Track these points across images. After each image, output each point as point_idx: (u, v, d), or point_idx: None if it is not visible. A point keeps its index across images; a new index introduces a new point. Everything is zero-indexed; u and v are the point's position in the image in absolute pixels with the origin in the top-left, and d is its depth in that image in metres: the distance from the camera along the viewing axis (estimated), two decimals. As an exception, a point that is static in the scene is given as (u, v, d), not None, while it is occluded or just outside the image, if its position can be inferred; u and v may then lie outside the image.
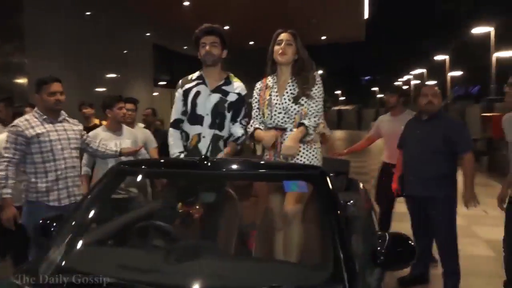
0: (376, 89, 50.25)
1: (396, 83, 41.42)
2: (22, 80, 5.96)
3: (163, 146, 3.86)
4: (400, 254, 1.79)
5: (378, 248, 1.78)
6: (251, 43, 12.42)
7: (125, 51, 10.64)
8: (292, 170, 2.29)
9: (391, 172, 4.12)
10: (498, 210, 5.62)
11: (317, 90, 2.66)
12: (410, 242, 1.82)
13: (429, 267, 3.88)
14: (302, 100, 2.63)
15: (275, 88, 2.72)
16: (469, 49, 25.58)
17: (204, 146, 2.88)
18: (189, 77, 3.04)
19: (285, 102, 2.65)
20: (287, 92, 2.67)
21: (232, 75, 3.03)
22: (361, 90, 56.04)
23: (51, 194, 3.09)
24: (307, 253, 2.26)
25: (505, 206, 3.32)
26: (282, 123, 2.65)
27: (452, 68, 24.56)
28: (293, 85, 2.67)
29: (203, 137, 2.88)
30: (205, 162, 2.11)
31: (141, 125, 5.28)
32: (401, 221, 4.36)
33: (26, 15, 6.14)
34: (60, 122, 3.22)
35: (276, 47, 2.69)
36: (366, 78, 62.26)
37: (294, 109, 2.63)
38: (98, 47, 9.53)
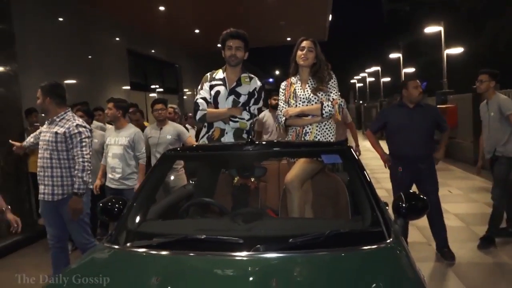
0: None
1: (352, 81, 43.11)
2: (15, 88, 6.06)
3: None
4: (416, 206, 2.31)
5: (400, 203, 2.29)
6: (219, 45, 12.78)
7: (102, 56, 10.76)
8: (326, 146, 2.82)
9: None
10: (459, 189, 6.45)
11: (333, 83, 3.25)
12: (422, 197, 2.35)
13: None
14: (319, 93, 3.19)
15: (298, 83, 3.28)
16: (420, 47, 27.14)
17: (228, 141, 3.29)
18: (215, 74, 3.43)
19: (308, 93, 3.21)
20: (308, 86, 3.24)
21: (246, 75, 3.39)
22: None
23: (40, 188, 3.63)
24: (341, 209, 2.79)
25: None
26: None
27: (405, 65, 26.02)
28: (313, 81, 3.24)
29: (226, 133, 3.31)
30: (255, 144, 2.58)
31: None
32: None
33: (15, 22, 6.20)
34: (50, 123, 3.60)
35: (299, 52, 3.23)
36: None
37: (315, 98, 3.19)
38: (77, 53, 9.61)
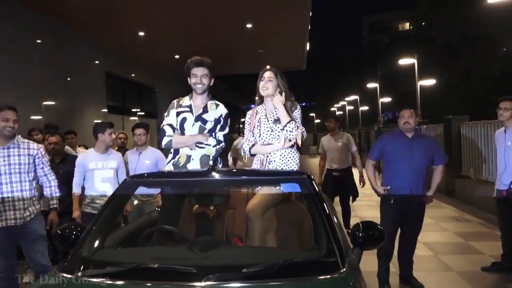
0: (313, 114, 52.59)
1: (332, 109, 43.81)
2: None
3: None
4: (373, 236, 2.34)
5: (357, 233, 2.32)
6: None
7: (79, 78, 10.74)
8: (285, 175, 2.82)
9: (332, 175, 6.09)
10: (431, 218, 6.35)
11: (297, 113, 3.28)
12: (379, 227, 2.38)
13: None
14: None
15: (263, 113, 3.33)
16: (396, 77, 27.91)
17: (194, 167, 3.29)
18: (181, 101, 3.46)
19: (271, 123, 3.24)
20: (272, 116, 3.28)
21: (212, 102, 3.44)
22: (299, 116, 58.06)
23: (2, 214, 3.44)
24: (305, 238, 2.78)
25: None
26: (269, 139, 3.24)
27: (382, 95, 26.63)
28: (276, 111, 3.26)
29: (192, 159, 3.32)
30: (215, 172, 2.58)
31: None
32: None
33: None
34: (8, 148, 3.50)
35: (261, 83, 3.29)
36: (303, 104, 64.98)
37: (278, 127, 3.21)
38: (52, 75, 9.57)
